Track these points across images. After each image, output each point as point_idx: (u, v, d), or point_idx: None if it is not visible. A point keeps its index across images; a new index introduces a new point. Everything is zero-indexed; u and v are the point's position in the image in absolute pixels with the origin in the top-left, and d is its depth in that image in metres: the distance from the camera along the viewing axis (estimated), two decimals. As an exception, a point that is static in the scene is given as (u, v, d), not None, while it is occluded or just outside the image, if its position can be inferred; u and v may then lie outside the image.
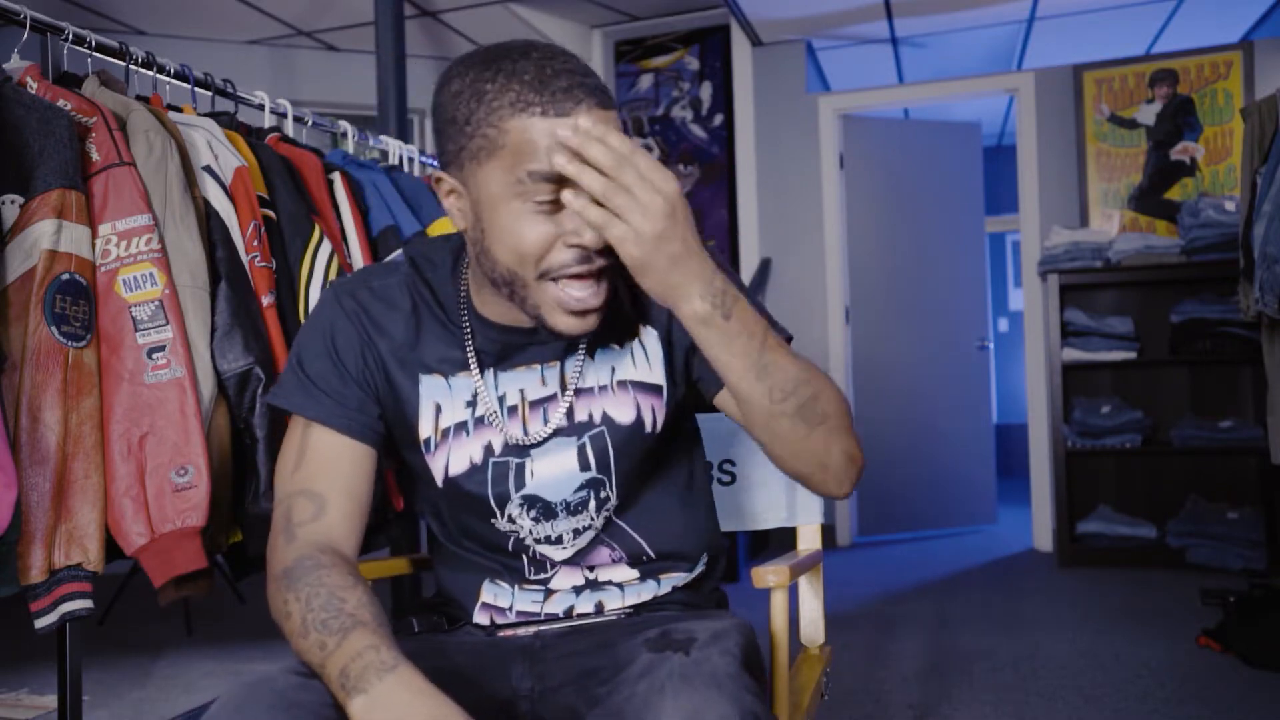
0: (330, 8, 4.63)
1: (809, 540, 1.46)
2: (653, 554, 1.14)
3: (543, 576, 1.13)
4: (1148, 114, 4.47)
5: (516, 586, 1.13)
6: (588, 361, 1.09)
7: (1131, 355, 4.23)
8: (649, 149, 5.06)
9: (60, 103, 1.59)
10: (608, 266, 0.96)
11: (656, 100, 5.15)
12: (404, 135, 3.27)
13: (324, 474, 1.03)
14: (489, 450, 1.08)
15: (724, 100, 5.04)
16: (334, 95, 5.06)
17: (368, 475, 1.06)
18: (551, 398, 1.08)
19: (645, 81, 5.18)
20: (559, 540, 1.10)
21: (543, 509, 1.09)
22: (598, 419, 1.08)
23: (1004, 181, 6.84)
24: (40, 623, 1.48)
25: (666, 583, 1.15)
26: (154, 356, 1.59)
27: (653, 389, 1.10)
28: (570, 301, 0.96)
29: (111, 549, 1.57)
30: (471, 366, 1.08)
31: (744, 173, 4.98)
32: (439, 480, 1.09)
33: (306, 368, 1.07)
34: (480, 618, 1.14)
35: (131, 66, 1.93)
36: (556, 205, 0.92)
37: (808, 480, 1.04)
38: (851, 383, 4.98)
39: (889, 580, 4.09)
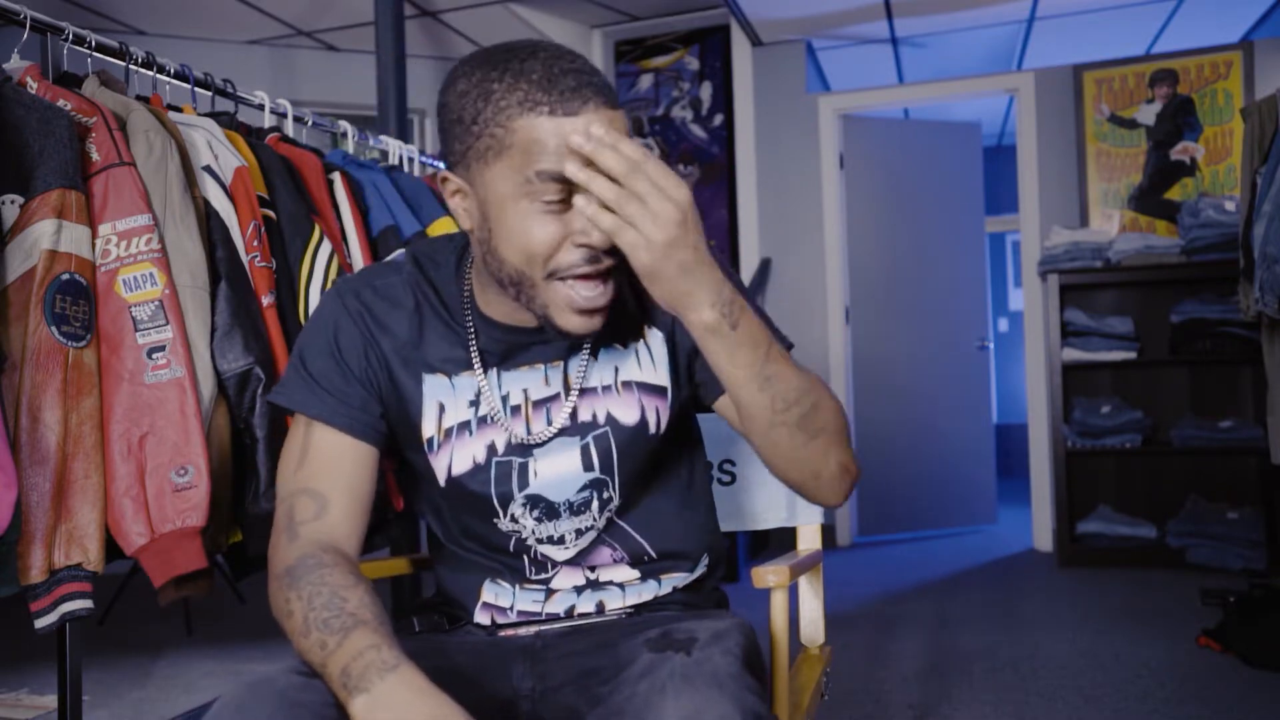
0: (330, 8, 4.63)
1: (809, 540, 1.46)
2: (654, 554, 1.14)
3: (544, 576, 1.13)
4: (1148, 114, 4.47)
5: (517, 586, 1.13)
6: (591, 361, 1.09)
7: (1131, 355, 4.23)
8: (649, 149, 5.05)
9: (60, 103, 1.59)
10: (614, 266, 0.96)
11: (656, 100, 5.15)
12: (404, 135, 3.27)
13: (326, 473, 1.03)
14: (492, 450, 1.08)
15: (724, 100, 5.04)
16: (334, 95, 5.06)
17: (370, 474, 1.06)
18: (555, 397, 1.08)
19: (645, 81, 5.18)
20: (561, 540, 1.10)
21: (545, 509, 1.08)
22: (602, 419, 1.08)
23: (1004, 181, 6.84)
24: (40, 623, 1.48)
25: (667, 583, 1.15)
26: (154, 356, 1.58)
27: (657, 390, 1.10)
28: (579, 300, 0.95)
29: (111, 549, 1.57)
30: (475, 366, 1.07)
31: (744, 173, 4.98)
32: (441, 480, 1.09)
33: (309, 366, 1.07)
34: (481, 617, 1.14)
35: (131, 66, 1.93)
36: (564, 205, 0.92)
37: (802, 489, 1.05)
38: (851, 383, 4.98)
39: (889, 580, 4.09)
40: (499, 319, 1.06)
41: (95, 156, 1.60)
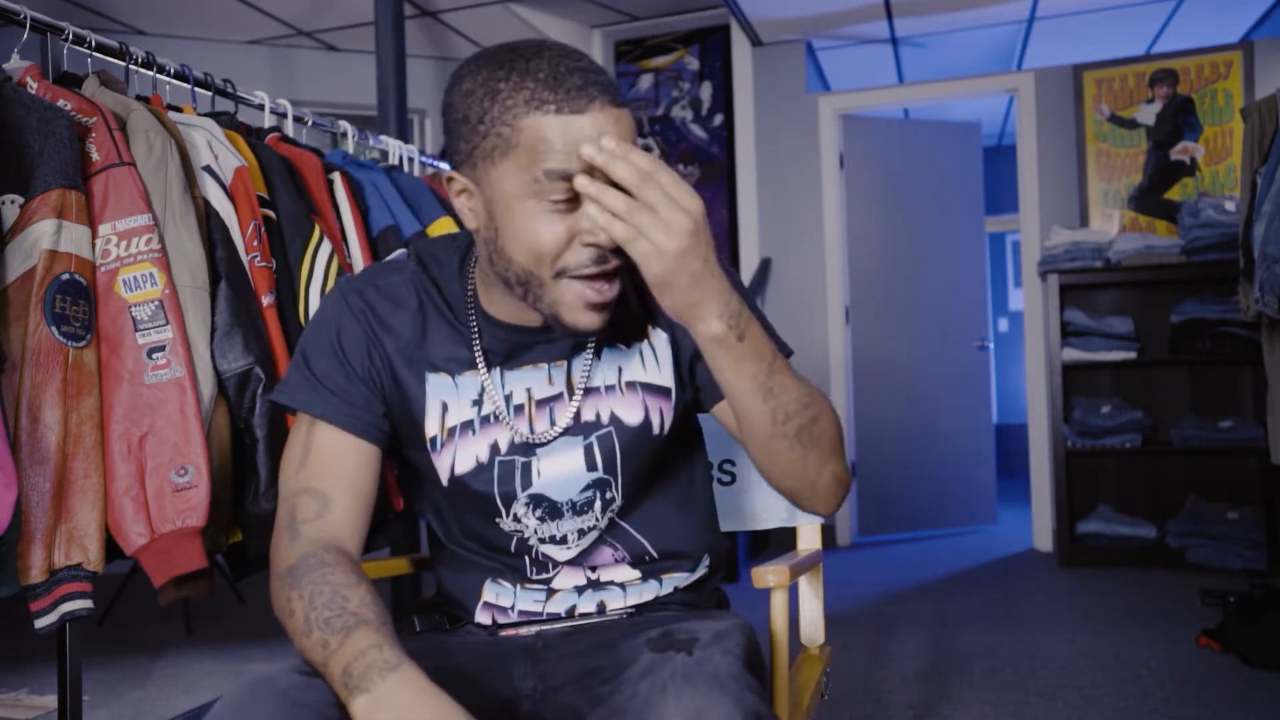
0: (330, 8, 4.63)
1: (809, 540, 1.46)
2: (655, 554, 1.14)
3: (545, 576, 1.13)
4: (1148, 114, 4.47)
5: (518, 586, 1.13)
6: (595, 361, 1.09)
7: (1131, 355, 4.23)
8: (649, 149, 5.06)
9: (60, 103, 1.59)
10: (621, 265, 0.96)
11: (656, 100, 5.15)
12: (404, 135, 3.27)
13: (329, 472, 1.03)
14: (495, 449, 1.08)
15: (724, 100, 5.04)
16: (334, 95, 5.06)
17: (372, 474, 1.06)
18: (558, 397, 1.08)
19: (645, 81, 5.18)
20: (564, 540, 1.10)
21: (548, 508, 1.08)
22: (605, 419, 1.08)
23: (1004, 181, 6.84)
24: (40, 623, 1.48)
25: (668, 583, 1.15)
26: (154, 356, 1.58)
27: (661, 391, 1.10)
28: (589, 295, 0.95)
29: (111, 549, 1.57)
30: (479, 365, 1.07)
31: (744, 173, 4.98)
32: (444, 479, 1.09)
33: (312, 366, 1.07)
34: (482, 617, 1.14)
35: (131, 66, 1.93)
36: (571, 204, 0.92)
37: (796, 498, 1.06)
38: (851, 383, 4.98)
39: (889, 580, 4.09)
40: (503, 318, 1.06)
41: (95, 156, 1.60)
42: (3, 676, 2.94)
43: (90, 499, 1.51)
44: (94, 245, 1.57)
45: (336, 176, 2.18)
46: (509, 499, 1.08)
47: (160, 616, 3.45)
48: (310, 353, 1.08)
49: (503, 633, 1.13)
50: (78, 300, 1.52)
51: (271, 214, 1.91)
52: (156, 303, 1.59)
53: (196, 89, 2.07)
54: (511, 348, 1.07)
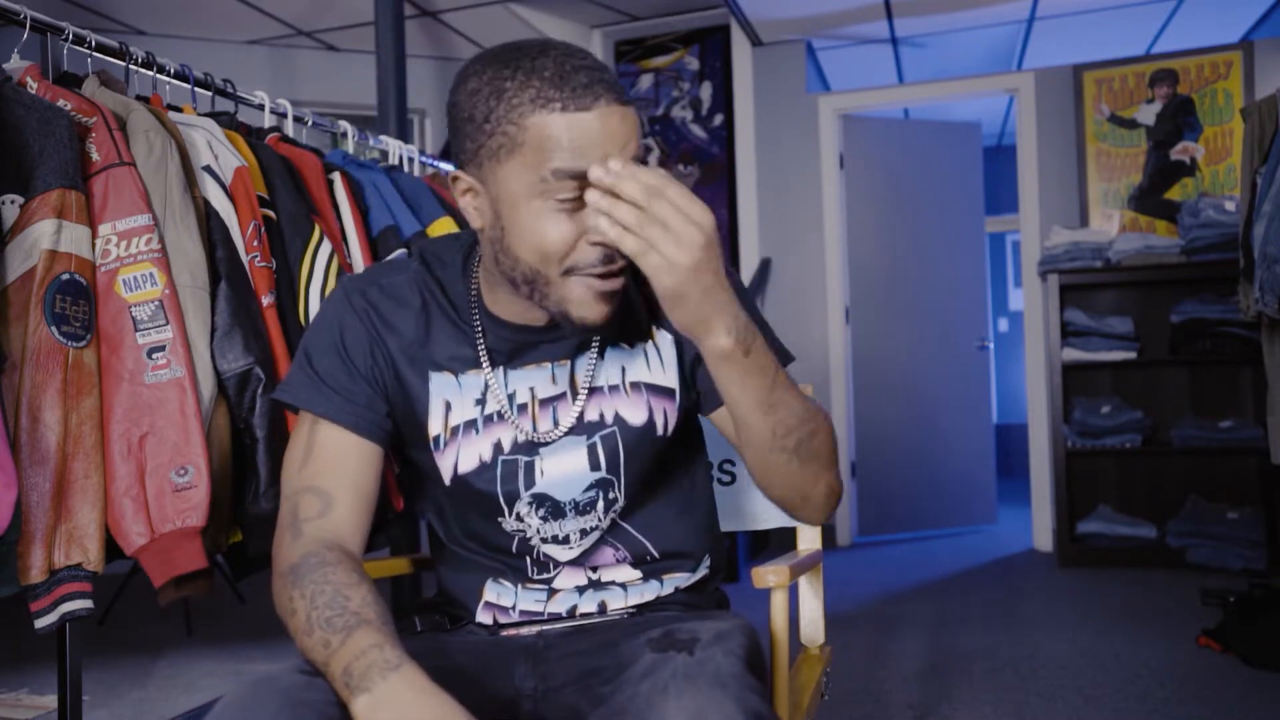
0: (330, 8, 4.63)
1: (809, 540, 1.46)
2: (656, 554, 1.14)
3: (546, 576, 1.13)
4: (1148, 114, 4.47)
5: (519, 586, 1.13)
6: (599, 361, 1.09)
7: (1131, 355, 4.23)
8: (648, 149, 5.06)
9: (60, 103, 1.59)
10: (627, 264, 0.96)
11: (656, 100, 5.15)
12: (404, 135, 3.27)
13: (331, 471, 1.03)
14: (498, 448, 1.08)
15: (724, 100, 5.04)
16: (334, 95, 5.06)
17: (375, 473, 1.06)
18: (561, 396, 1.08)
19: (645, 81, 5.18)
20: (566, 540, 1.10)
21: (551, 508, 1.08)
22: (609, 419, 1.08)
23: (1004, 181, 6.84)
24: (40, 623, 1.48)
25: (669, 583, 1.15)
26: (154, 356, 1.58)
27: (666, 392, 1.10)
28: (598, 285, 0.96)
29: (111, 549, 1.57)
30: (483, 364, 1.07)
31: (744, 173, 4.98)
32: (447, 478, 1.09)
33: (315, 364, 1.07)
34: (483, 617, 1.14)
35: (131, 66, 1.93)
36: (578, 203, 0.92)
37: (788, 507, 1.07)
38: (851, 383, 4.98)
39: (889, 580, 4.09)
40: (507, 318, 1.06)
41: (95, 156, 1.60)
42: (3, 676, 2.94)
43: (90, 499, 1.51)
44: (94, 245, 1.57)
45: (336, 176, 2.18)
46: (512, 498, 1.08)
47: (160, 616, 3.45)
48: (313, 351, 1.08)
49: (504, 632, 1.13)
50: (78, 300, 1.52)
51: (271, 214, 1.91)
52: (156, 303, 1.59)
53: (196, 89, 2.07)
54: (515, 347, 1.07)
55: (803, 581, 1.44)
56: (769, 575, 1.11)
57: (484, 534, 1.12)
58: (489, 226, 0.98)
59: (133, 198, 1.60)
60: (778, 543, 4.55)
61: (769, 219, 4.98)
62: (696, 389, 1.12)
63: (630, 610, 1.14)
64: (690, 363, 1.11)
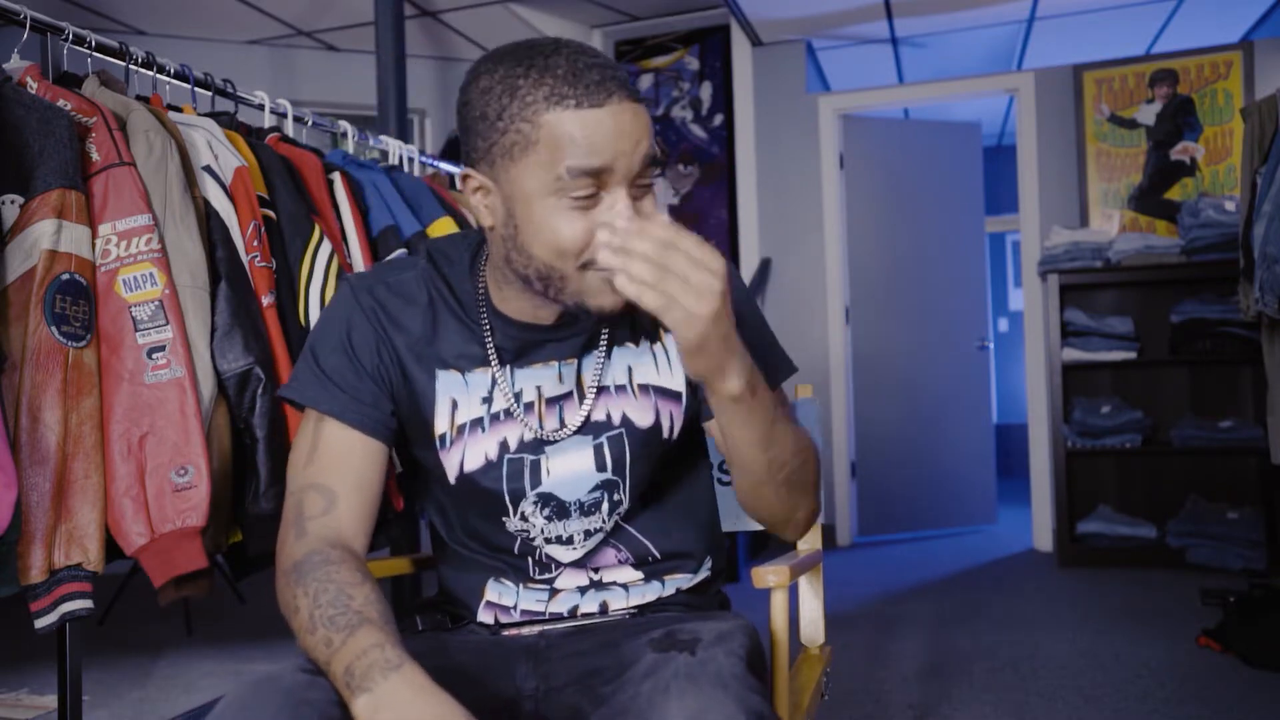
0: (330, 8, 4.63)
1: (809, 540, 1.45)
2: (658, 555, 1.14)
3: (548, 576, 1.13)
4: (1148, 114, 4.47)
5: (521, 585, 1.13)
6: (605, 361, 1.09)
7: (1131, 355, 4.23)
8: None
9: (60, 103, 1.59)
10: None
11: (656, 100, 5.15)
12: (404, 135, 3.27)
13: (336, 469, 1.03)
14: (504, 446, 1.08)
15: (724, 100, 5.04)
16: (334, 95, 5.06)
17: (379, 471, 1.06)
18: (568, 395, 1.08)
19: (645, 81, 5.18)
20: (570, 540, 1.10)
21: (556, 508, 1.08)
22: (616, 420, 1.08)
23: (1004, 181, 6.85)
24: (40, 623, 1.48)
25: (671, 584, 1.15)
26: (154, 356, 1.58)
27: (673, 395, 1.11)
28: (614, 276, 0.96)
29: (111, 549, 1.57)
30: (490, 362, 1.07)
31: (744, 173, 4.98)
32: (452, 477, 1.09)
33: (321, 362, 1.07)
34: (484, 616, 1.14)
35: (131, 66, 1.93)
36: (592, 199, 0.93)
37: (768, 526, 1.11)
38: (851, 383, 4.98)
39: (889, 580, 4.09)
40: (514, 316, 1.06)
41: (95, 156, 1.60)
42: (3, 676, 2.94)
43: (90, 499, 1.51)
44: (94, 245, 1.57)
45: (336, 176, 2.18)
46: (517, 497, 1.08)
47: (160, 616, 3.45)
48: (319, 349, 1.08)
49: (505, 632, 1.13)
50: (78, 300, 1.52)
51: (271, 214, 1.91)
52: (156, 303, 1.59)
53: (196, 89, 2.07)
54: (522, 345, 1.07)
55: (803, 581, 1.44)
56: (769, 575, 1.11)
57: (486, 534, 1.12)
58: (501, 225, 0.98)
59: (133, 198, 1.60)
60: (778, 543, 4.55)
61: (769, 219, 4.98)
62: (700, 394, 1.12)
63: (632, 611, 1.13)
64: None
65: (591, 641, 1.08)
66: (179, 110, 1.92)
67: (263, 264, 1.83)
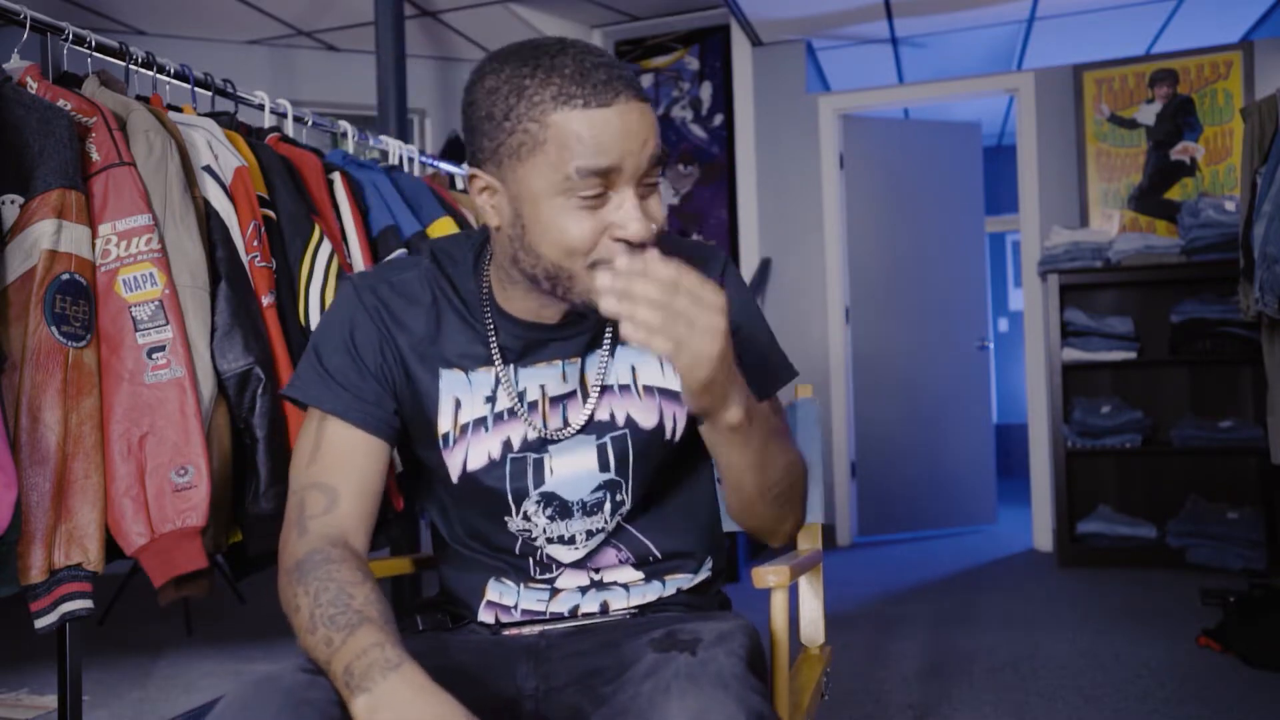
0: (330, 8, 4.63)
1: (809, 540, 1.45)
2: (659, 555, 1.14)
3: (548, 576, 1.13)
4: (1148, 114, 4.47)
5: (522, 585, 1.13)
6: (609, 360, 1.09)
7: (1131, 355, 4.23)
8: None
9: (60, 103, 1.59)
10: None
11: (657, 100, 5.15)
12: (404, 135, 3.27)
13: (338, 467, 1.03)
14: (508, 446, 1.08)
15: (724, 100, 5.04)
16: (334, 95, 5.06)
17: (381, 470, 1.06)
18: (571, 395, 1.08)
19: (645, 81, 5.18)
20: (572, 540, 1.10)
21: (559, 507, 1.08)
22: (620, 420, 1.09)
23: (1004, 181, 6.85)
24: (40, 623, 1.48)
25: (671, 584, 1.15)
26: (154, 356, 1.58)
27: (676, 396, 1.10)
28: None
29: (111, 549, 1.57)
30: (494, 361, 1.07)
31: (744, 173, 4.98)
32: (455, 476, 1.09)
33: (325, 361, 1.07)
34: (485, 616, 1.14)
35: (131, 66, 1.93)
36: (600, 199, 0.93)
37: (753, 534, 1.13)
38: (851, 383, 4.98)
39: (889, 580, 4.09)
40: (519, 315, 1.06)
41: (95, 156, 1.60)
42: (3, 676, 2.94)
43: (90, 499, 1.51)
44: (94, 245, 1.57)
45: (336, 176, 2.18)
46: (520, 496, 1.08)
47: (160, 616, 3.44)
48: (323, 348, 1.08)
49: (506, 632, 1.13)
50: (78, 300, 1.52)
51: (271, 214, 1.91)
52: (156, 303, 1.59)
53: (196, 89, 2.07)
54: (527, 344, 1.07)
55: (803, 581, 1.44)
56: (769, 575, 1.11)
57: (487, 534, 1.12)
58: (508, 225, 0.98)
59: (133, 198, 1.60)
60: (778, 543, 4.55)
61: (769, 219, 4.98)
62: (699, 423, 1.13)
63: (632, 610, 1.13)
64: None
65: (592, 641, 1.08)
66: (179, 110, 1.92)
67: (263, 264, 1.83)
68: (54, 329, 1.48)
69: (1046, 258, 4.37)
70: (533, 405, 1.08)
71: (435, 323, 1.08)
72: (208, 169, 1.81)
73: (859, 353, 5.01)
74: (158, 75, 1.98)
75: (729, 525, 1.44)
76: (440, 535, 1.19)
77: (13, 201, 1.48)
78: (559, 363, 1.08)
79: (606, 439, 1.08)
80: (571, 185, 0.92)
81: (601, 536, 1.11)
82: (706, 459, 1.24)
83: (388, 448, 1.07)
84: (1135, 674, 2.69)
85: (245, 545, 1.80)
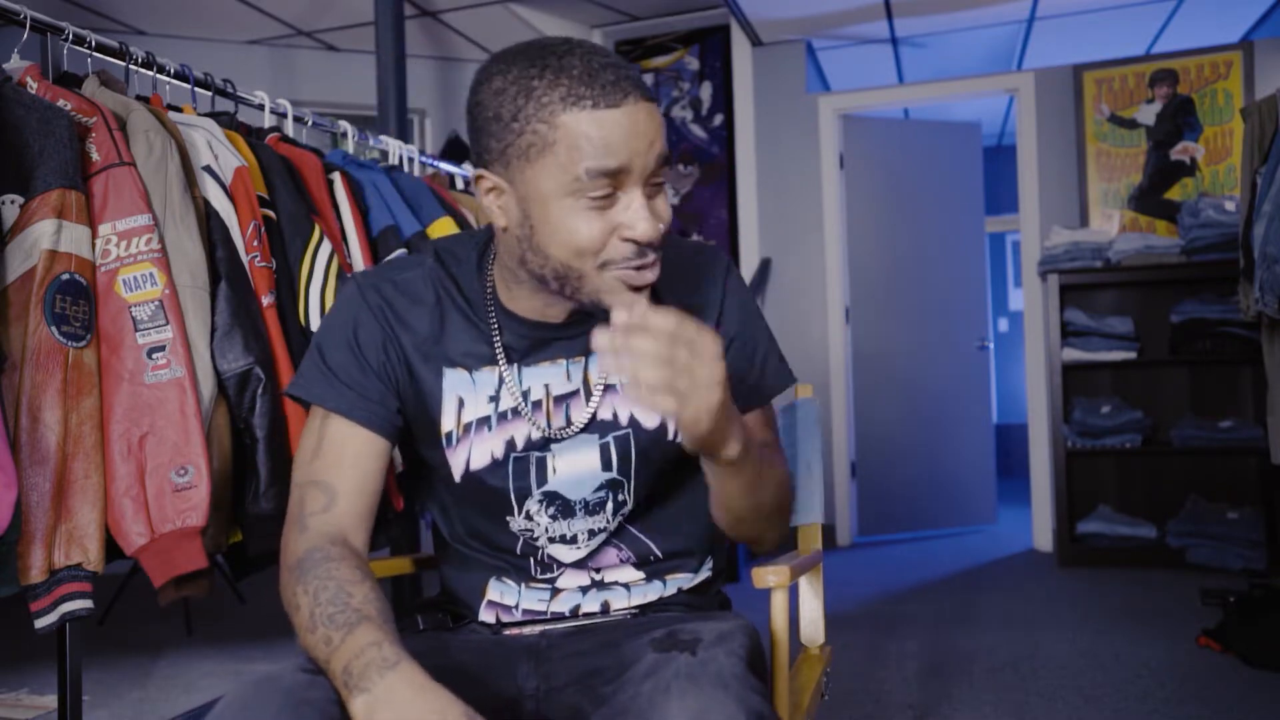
0: (330, 8, 4.63)
1: (809, 540, 1.45)
2: (660, 554, 1.14)
3: (549, 576, 1.13)
4: (1148, 114, 4.47)
5: (523, 585, 1.13)
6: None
7: (1131, 355, 4.23)
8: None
9: (60, 103, 1.59)
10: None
11: (657, 100, 5.15)
12: (404, 135, 3.27)
13: (339, 465, 1.03)
14: (511, 445, 1.08)
15: (724, 100, 5.04)
16: (334, 95, 5.06)
17: (382, 469, 1.06)
18: (575, 394, 1.08)
19: (645, 81, 5.17)
20: (573, 540, 1.10)
21: (561, 506, 1.09)
22: (623, 420, 1.09)
23: (1004, 181, 6.85)
24: (40, 623, 1.48)
25: (672, 584, 1.16)
26: (154, 356, 1.58)
27: None
28: (633, 278, 0.96)
29: (111, 549, 1.57)
30: (498, 360, 1.07)
31: (744, 173, 4.98)
32: (457, 475, 1.09)
33: (328, 360, 1.07)
34: (486, 616, 1.14)
35: (131, 66, 1.93)
36: (609, 199, 0.93)
37: (743, 543, 1.16)
38: (851, 383, 4.98)
39: (889, 580, 4.09)
40: (523, 314, 1.06)
41: (95, 156, 1.60)
42: (3, 676, 2.94)
43: (90, 499, 1.51)
44: (94, 245, 1.57)
45: (336, 176, 2.18)
46: (523, 495, 1.08)
47: (160, 616, 3.44)
48: (326, 347, 1.08)
49: (506, 632, 1.13)
50: (78, 300, 1.52)
51: (271, 214, 1.91)
52: (156, 303, 1.59)
53: (196, 89, 2.07)
54: (531, 344, 1.07)
55: (803, 581, 1.44)
56: (769, 575, 1.11)
57: (489, 533, 1.12)
58: (516, 225, 0.98)
59: (133, 198, 1.60)
60: (778, 543, 4.55)
61: (769, 219, 4.98)
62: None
63: (633, 610, 1.14)
64: None
65: (592, 641, 1.08)
66: (179, 110, 1.92)
67: (263, 264, 1.83)
68: (54, 329, 1.48)
69: (1046, 258, 4.37)
70: (536, 404, 1.08)
71: (439, 322, 1.08)
72: (208, 169, 1.81)
73: (859, 353, 5.01)
74: (158, 75, 1.98)
75: (729, 525, 1.44)
76: (441, 534, 1.19)
77: (13, 201, 1.48)
78: (563, 362, 1.08)
79: (609, 438, 1.08)
80: (581, 186, 0.92)
81: (603, 536, 1.11)
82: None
83: (389, 446, 1.07)
84: (1135, 674, 2.69)
85: (245, 545, 1.80)
